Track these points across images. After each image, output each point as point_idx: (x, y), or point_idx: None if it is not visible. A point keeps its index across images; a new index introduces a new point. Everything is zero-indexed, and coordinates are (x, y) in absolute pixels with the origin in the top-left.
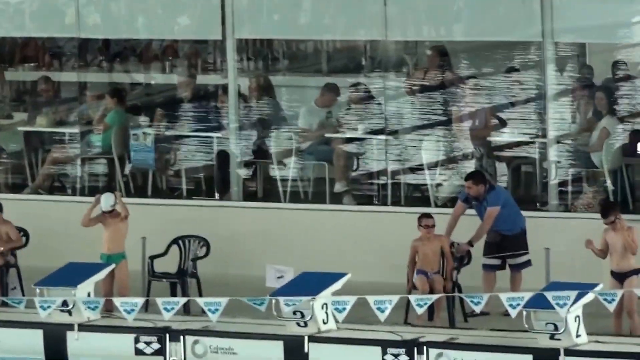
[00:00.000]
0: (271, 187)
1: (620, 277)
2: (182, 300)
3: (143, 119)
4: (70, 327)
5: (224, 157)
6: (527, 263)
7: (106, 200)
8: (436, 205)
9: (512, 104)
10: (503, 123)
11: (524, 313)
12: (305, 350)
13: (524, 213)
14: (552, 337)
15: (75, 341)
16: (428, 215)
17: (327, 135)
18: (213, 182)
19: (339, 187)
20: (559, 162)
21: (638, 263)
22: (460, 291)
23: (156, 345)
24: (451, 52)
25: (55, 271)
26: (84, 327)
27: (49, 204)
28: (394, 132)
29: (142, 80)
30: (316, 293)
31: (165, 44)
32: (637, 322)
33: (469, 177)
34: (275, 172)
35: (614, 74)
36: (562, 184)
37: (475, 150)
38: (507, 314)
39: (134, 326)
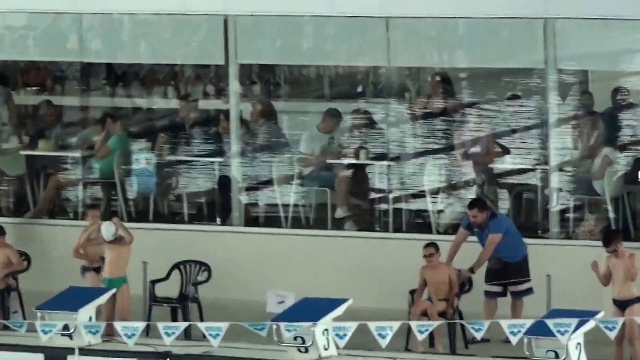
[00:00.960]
0: (273, 212)
1: (621, 305)
2: (183, 324)
3: (145, 144)
4: (71, 351)
5: (225, 182)
6: (529, 290)
7: (107, 230)
8: (438, 232)
9: (514, 131)
10: (506, 151)
11: (525, 340)
12: None
13: (526, 240)
14: None
15: None
16: (429, 245)
17: (329, 161)
18: (214, 207)
19: (340, 212)
20: (560, 189)
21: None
22: (461, 318)
23: None
24: (454, 79)
25: (57, 295)
26: (84, 351)
27: (51, 227)
28: (396, 158)
29: (144, 104)
30: (317, 319)
31: (168, 69)
32: (638, 350)
33: (474, 205)
34: (277, 197)
35: (614, 101)
36: (564, 211)
37: (477, 177)
38: (508, 341)
39: (134, 350)
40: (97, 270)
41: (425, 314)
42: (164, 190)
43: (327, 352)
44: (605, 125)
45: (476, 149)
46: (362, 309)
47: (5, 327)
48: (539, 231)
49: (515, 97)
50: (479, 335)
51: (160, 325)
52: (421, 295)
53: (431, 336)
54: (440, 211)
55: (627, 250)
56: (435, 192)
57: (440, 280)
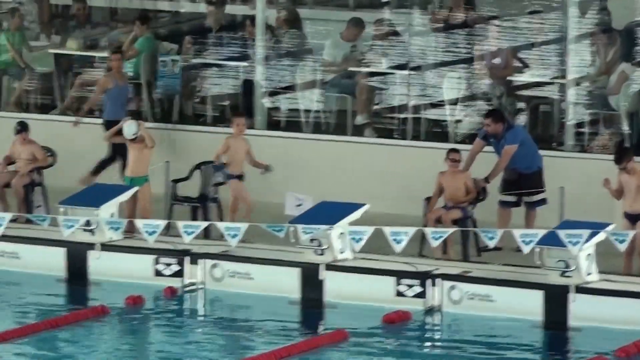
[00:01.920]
0: (295, 117)
1: (633, 219)
2: (203, 224)
3: (172, 46)
4: (92, 246)
5: (249, 86)
6: (543, 201)
7: (129, 128)
8: (455, 141)
9: (534, 45)
10: (525, 65)
11: (537, 250)
12: (321, 277)
13: (541, 152)
14: (562, 274)
15: (96, 260)
16: (455, 150)
17: (350, 68)
18: (238, 110)
19: (360, 119)
20: (577, 103)
21: None
22: (475, 226)
23: (175, 267)
24: None
25: (80, 191)
26: (106, 247)
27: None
28: (417, 68)
29: (170, 8)
30: (334, 222)
31: None
32: None
33: (489, 114)
34: (299, 102)
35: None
36: (579, 125)
37: (495, 88)
38: (519, 250)
39: (154, 247)
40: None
41: (439, 221)
42: (189, 92)
43: (343, 255)
44: (623, 42)
45: (496, 61)
46: (378, 214)
47: (29, 221)
48: (555, 144)
49: (535, 12)
50: (491, 244)
51: (181, 224)
52: (436, 200)
53: (445, 243)
54: (458, 121)
55: (639, 165)
56: (454, 102)
57: (457, 187)
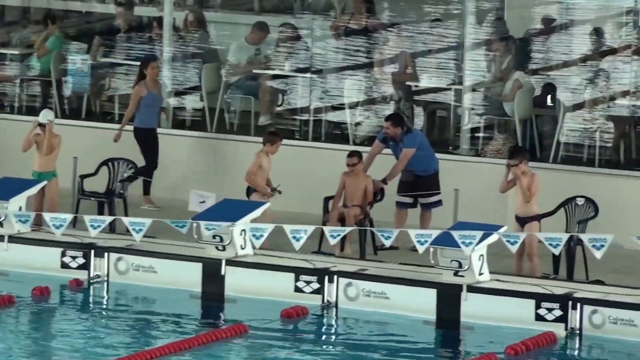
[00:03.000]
0: (200, 117)
1: (522, 222)
2: (109, 218)
3: (81, 46)
4: (0, 238)
5: None
6: (438, 203)
7: (45, 114)
8: (355, 143)
9: (430, 52)
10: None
11: (431, 249)
12: (222, 272)
13: (437, 155)
14: (456, 273)
15: (4, 252)
16: (353, 154)
17: (254, 71)
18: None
19: (263, 120)
20: (472, 109)
21: (540, 209)
22: (372, 225)
23: (81, 260)
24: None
25: None
26: (14, 239)
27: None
28: (319, 72)
29: (81, 8)
30: (236, 219)
31: None
32: (536, 265)
33: (388, 118)
34: (205, 103)
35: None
36: (475, 129)
37: (394, 93)
38: (415, 250)
39: (61, 241)
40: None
41: (341, 219)
42: (97, 90)
43: (244, 251)
44: (518, 51)
45: (394, 67)
46: (278, 212)
47: None
48: (451, 147)
49: (434, 19)
50: (388, 243)
51: (87, 218)
52: (339, 199)
53: (342, 241)
54: (357, 124)
55: (531, 169)
56: (354, 105)
57: (358, 187)
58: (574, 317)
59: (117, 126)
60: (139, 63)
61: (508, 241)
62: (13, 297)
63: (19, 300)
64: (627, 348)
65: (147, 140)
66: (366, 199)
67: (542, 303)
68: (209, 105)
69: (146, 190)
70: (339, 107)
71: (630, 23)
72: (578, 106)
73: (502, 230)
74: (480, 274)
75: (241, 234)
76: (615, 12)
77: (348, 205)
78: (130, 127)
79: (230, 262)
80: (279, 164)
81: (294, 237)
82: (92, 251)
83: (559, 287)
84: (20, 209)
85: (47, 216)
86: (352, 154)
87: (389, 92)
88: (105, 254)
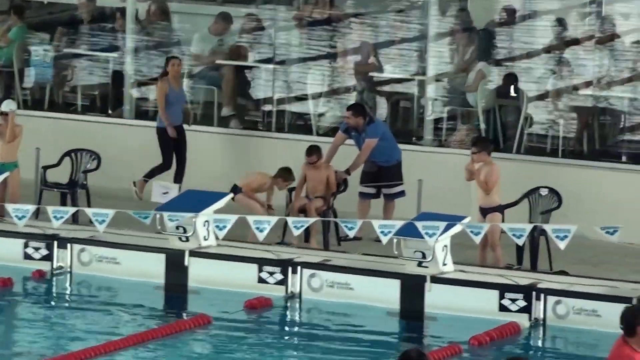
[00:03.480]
0: None
1: (485, 212)
2: (72, 209)
3: (44, 36)
4: None
5: (118, 76)
6: (401, 193)
7: (7, 103)
8: (318, 134)
9: (394, 43)
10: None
11: (395, 240)
12: (186, 263)
13: (400, 146)
14: (419, 264)
15: None
16: (311, 150)
17: (218, 61)
18: (107, 100)
19: (226, 111)
20: (435, 99)
21: (502, 200)
22: (335, 216)
23: (44, 251)
24: None
25: None
26: None
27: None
28: (282, 62)
29: None
30: (199, 210)
31: None
32: (500, 255)
33: (350, 108)
34: None
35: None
36: (438, 120)
37: (357, 84)
38: (378, 240)
39: (24, 232)
40: None
41: (303, 210)
42: (60, 81)
43: (207, 242)
44: (481, 42)
45: (357, 58)
46: (242, 203)
47: None
48: (414, 138)
49: (398, 10)
50: (351, 233)
51: (50, 209)
52: (300, 191)
53: (306, 232)
54: (321, 114)
55: (493, 160)
56: (317, 96)
57: (319, 180)
58: (537, 307)
59: (80, 117)
60: (102, 54)
61: (471, 232)
62: None
63: None
64: (591, 338)
65: (169, 139)
66: (329, 190)
67: (506, 294)
68: None
69: (149, 176)
70: (302, 98)
71: (593, 13)
72: (541, 97)
73: (465, 221)
74: (444, 264)
75: (204, 225)
76: (578, 3)
77: (310, 198)
78: (153, 124)
79: (194, 253)
80: (243, 155)
81: (257, 228)
82: (55, 242)
83: (522, 278)
84: None
85: (9, 207)
86: (310, 151)
87: (352, 83)
88: (68, 245)
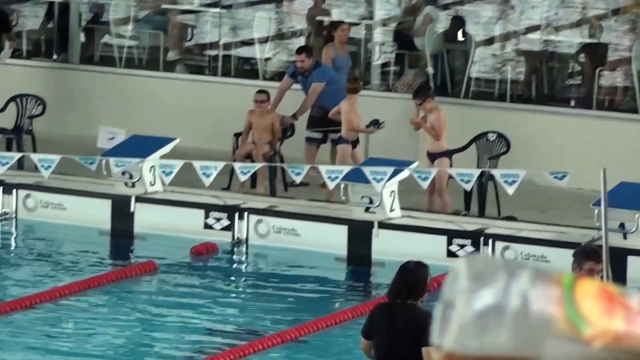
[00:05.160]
0: (108, 52)
1: (432, 157)
2: (17, 155)
3: None
4: None
5: (64, 20)
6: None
7: None
8: (264, 79)
9: None
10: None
11: (342, 185)
12: (132, 209)
13: None
14: (367, 210)
15: None
16: (262, 91)
17: (163, 6)
18: (52, 45)
19: (172, 55)
20: (383, 43)
21: (449, 145)
22: (282, 162)
23: None
24: None
25: None
26: None
27: None
28: (228, 7)
29: None
30: (145, 156)
31: None
32: (447, 201)
33: (302, 50)
34: (113, 38)
35: None
36: (385, 64)
37: (304, 28)
38: (325, 186)
39: None
40: None
41: (249, 156)
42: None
43: (153, 187)
44: None
45: (304, 2)
46: (188, 148)
47: None
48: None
49: None
50: (298, 179)
51: None
52: (246, 138)
53: (253, 178)
54: (267, 59)
55: (437, 106)
56: (263, 40)
57: (265, 126)
58: (485, 253)
59: (25, 62)
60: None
61: (419, 177)
62: None
63: None
64: None
65: None
66: (275, 135)
67: (454, 239)
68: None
69: None
70: (249, 43)
71: None
72: (489, 41)
73: (413, 166)
74: (392, 210)
75: (151, 171)
76: None
77: (257, 144)
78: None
79: (140, 199)
80: (189, 100)
81: (204, 174)
82: (0, 188)
83: (470, 224)
84: None
85: None
86: (260, 91)
87: (299, 27)
88: (14, 190)
